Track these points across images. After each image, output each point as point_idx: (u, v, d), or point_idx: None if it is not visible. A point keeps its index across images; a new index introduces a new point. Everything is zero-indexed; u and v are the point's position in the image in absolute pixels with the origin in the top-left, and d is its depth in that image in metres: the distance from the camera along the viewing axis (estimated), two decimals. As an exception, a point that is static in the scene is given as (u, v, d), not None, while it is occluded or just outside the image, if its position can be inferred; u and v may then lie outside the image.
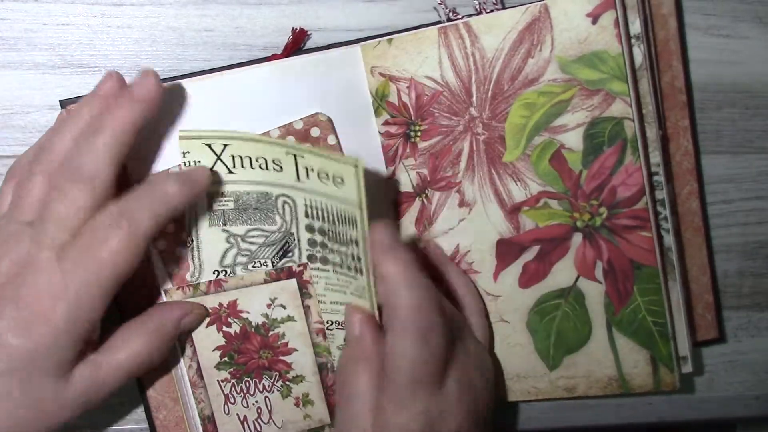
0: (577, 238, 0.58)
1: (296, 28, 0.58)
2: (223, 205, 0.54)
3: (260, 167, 0.54)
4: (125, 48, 0.57)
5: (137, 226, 0.47)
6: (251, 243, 0.56)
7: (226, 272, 0.57)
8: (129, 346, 0.52)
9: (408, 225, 0.60)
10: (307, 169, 0.54)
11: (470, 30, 0.56)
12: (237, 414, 0.59)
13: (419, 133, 0.58)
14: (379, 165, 0.60)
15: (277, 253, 0.56)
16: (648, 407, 0.65)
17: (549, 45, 0.56)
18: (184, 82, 0.54)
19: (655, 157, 0.58)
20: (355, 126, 0.59)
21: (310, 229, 0.57)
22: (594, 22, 0.55)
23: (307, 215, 0.56)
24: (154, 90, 0.48)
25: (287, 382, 0.58)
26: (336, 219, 0.55)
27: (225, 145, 0.52)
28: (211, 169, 0.53)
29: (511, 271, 0.60)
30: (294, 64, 0.56)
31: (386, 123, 0.58)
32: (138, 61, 0.56)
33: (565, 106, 0.56)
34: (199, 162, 0.52)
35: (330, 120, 0.57)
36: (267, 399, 0.58)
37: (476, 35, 0.56)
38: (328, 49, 0.58)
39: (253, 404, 0.58)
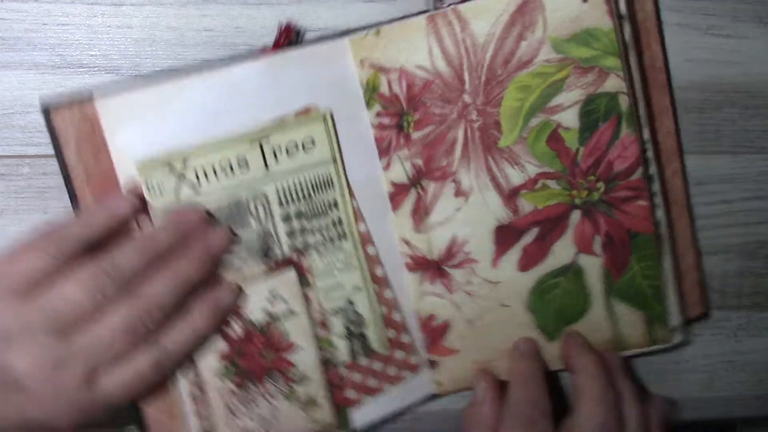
0: (576, 216, 0.55)
1: (283, 23, 0.53)
2: None
3: (225, 173, 0.51)
4: (125, 48, 0.53)
5: (178, 366, 0.52)
6: (231, 255, 0.52)
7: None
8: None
9: (404, 217, 0.55)
10: (274, 150, 0.51)
11: (459, 16, 0.53)
12: (241, 427, 0.54)
13: (412, 124, 0.54)
14: (373, 157, 0.56)
15: (258, 257, 0.52)
16: None
17: (542, 26, 0.53)
18: (170, 82, 0.50)
19: (645, 134, 0.55)
20: (346, 119, 0.55)
21: (286, 218, 0.53)
22: (584, 0, 0.52)
23: (281, 203, 0.53)
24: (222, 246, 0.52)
25: (291, 383, 0.53)
26: (312, 190, 0.53)
27: (185, 159, 0.49)
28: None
29: (510, 256, 0.56)
30: (282, 59, 0.52)
31: (378, 114, 0.54)
32: (138, 61, 0.53)
33: (560, 85, 0.53)
34: (163, 186, 0.50)
35: (321, 112, 0.54)
36: (272, 407, 0.51)
37: (466, 21, 0.53)
38: (317, 43, 0.54)
39: (258, 415, 0.52)
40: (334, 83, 0.54)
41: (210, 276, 0.51)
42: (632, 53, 0.54)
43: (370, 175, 0.56)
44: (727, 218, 0.60)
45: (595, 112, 0.53)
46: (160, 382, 0.50)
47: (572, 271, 0.56)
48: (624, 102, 0.53)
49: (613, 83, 0.53)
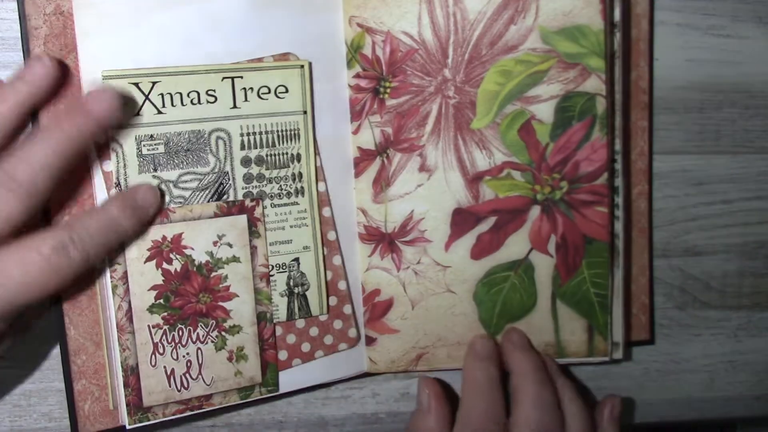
0: (535, 211, 0.55)
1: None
2: (153, 149, 0.48)
3: (192, 102, 0.48)
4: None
5: (88, 259, 0.44)
6: (184, 189, 0.50)
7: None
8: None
9: (365, 185, 0.54)
10: (245, 90, 0.50)
11: None
12: (164, 366, 0.50)
13: (389, 90, 0.53)
14: (345, 118, 0.54)
15: (211, 197, 0.50)
16: (648, 407, 0.62)
17: (533, 13, 0.52)
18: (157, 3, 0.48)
19: (617, 144, 0.54)
20: (325, 74, 0.54)
21: (245, 162, 0.51)
22: None
23: (242, 146, 0.51)
24: (111, 108, 0.44)
25: (223, 333, 0.50)
26: (276, 139, 0.51)
27: (153, 83, 0.47)
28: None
29: (464, 242, 0.55)
30: (273, -1, 0.50)
31: (357, 76, 0.53)
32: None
33: (541, 76, 0.52)
34: (126, 104, 0.46)
35: (300, 61, 0.52)
36: (199, 351, 0.50)
37: None
38: (311, -12, 0.52)
39: (183, 356, 0.50)
40: (319, 35, 0.53)
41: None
42: (618, 64, 0.54)
43: (339, 136, 0.55)
44: (727, 218, 0.60)
45: (570, 110, 0.53)
46: (65, 276, 0.43)
47: (523, 267, 0.55)
48: (601, 105, 0.52)
49: (594, 84, 0.52)
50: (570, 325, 0.56)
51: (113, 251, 0.48)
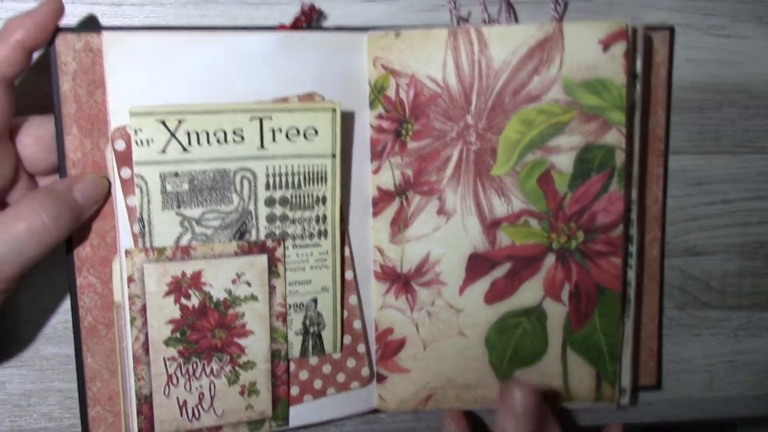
0: (550, 259, 0.54)
1: (307, 4, 0.51)
2: (177, 186, 0.48)
3: (218, 141, 0.47)
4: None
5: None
6: (206, 226, 0.49)
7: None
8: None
9: (383, 224, 0.53)
10: (273, 131, 0.49)
11: (481, 37, 0.52)
12: (177, 397, 0.50)
13: (410, 133, 0.52)
14: (365, 158, 0.54)
15: (233, 235, 0.49)
16: (648, 407, 0.61)
17: (558, 65, 0.52)
18: (183, 33, 0.48)
19: (633, 194, 0.54)
20: (347, 114, 0.53)
21: (269, 202, 0.50)
22: (605, 49, 0.51)
23: (267, 187, 0.50)
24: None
25: (236, 368, 0.50)
26: (302, 180, 0.50)
27: (180, 121, 0.46)
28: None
29: (479, 286, 0.55)
30: (299, 38, 0.50)
31: (380, 117, 0.52)
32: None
33: (562, 127, 0.52)
34: (152, 141, 0.46)
35: (327, 102, 0.51)
36: (212, 384, 0.50)
37: (486, 43, 0.52)
38: (337, 31, 0.53)
39: (196, 388, 0.50)
40: (343, 75, 0.53)
41: None
42: (637, 113, 0.53)
43: (359, 175, 0.54)
44: (727, 218, 0.59)
45: (589, 161, 0.52)
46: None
47: (536, 314, 0.55)
48: (620, 158, 0.52)
49: (614, 137, 0.52)
50: (579, 372, 0.56)
51: None
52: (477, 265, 0.54)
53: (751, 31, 0.57)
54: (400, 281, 0.55)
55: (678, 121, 0.58)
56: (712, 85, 0.58)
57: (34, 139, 0.48)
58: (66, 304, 0.54)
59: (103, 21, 0.51)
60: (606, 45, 0.51)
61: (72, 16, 0.49)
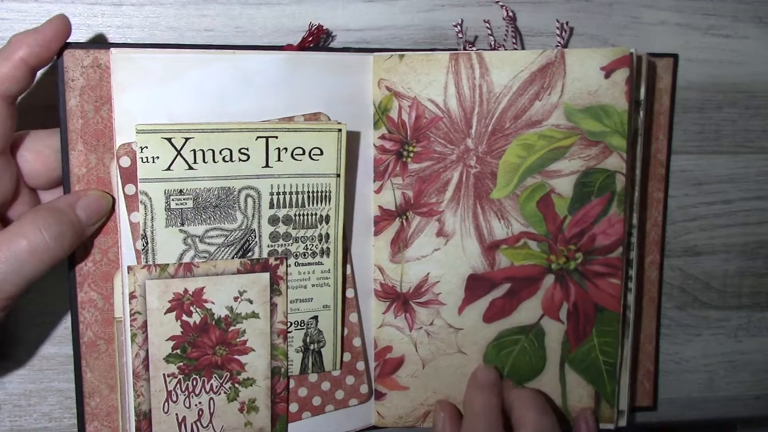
0: (549, 280, 0.54)
1: (315, 24, 0.52)
2: (182, 204, 0.47)
3: (224, 159, 0.47)
4: (126, 47, 0.51)
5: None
6: (209, 244, 0.49)
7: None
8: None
9: (384, 243, 0.53)
10: (279, 150, 0.49)
11: (482, 61, 0.52)
12: (176, 413, 0.50)
13: (412, 154, 0.52)
14: (368, 177, 0.54)
15: (236, 253, 0.49)
16: (648, 407, 0.61)
17: (559, 91, 0.52)
18: (191, 53, 0.48)
19: (634, 219, 0.54)
20: (351, 134, 0.53)
21: (273, 220, 0.50)
22: (607, 76, 0.51)
23: (271, 205, 0.50)
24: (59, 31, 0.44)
25: (236, 384, 0.50)
26: (306, 199, 0.50)
27: (186, 139, 0.46)
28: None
29: (477, 306, 0.55)
30: (305, 59, 0.50)
31: (383, 137, 0.52)
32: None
33: (563, 152, 0.52)
34: (158, 158, 0.46)
35: (332, 122, 0.51)
36: (211, 401, 0.49)
37: (487, 68, 0.52)
38: (343, 52, 0.53)
39: (196, 405, 0.49)
40: (349, 96, 0.53)
41: None
42: (640, 139, 0.54)
43: (361, 194, 0.54)
44: (727, 218, 0.59)
45: (589, 185, 0.52)
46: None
47: (534, 332, 0.55)
48: (620, 182, 0.52)
49: (614, 162, 0.52)
50: (578, 392, 0.56)
51: None
52: (476, 285, 0.54)
53: (751, 31, 0.57)
54: (400, 300, 0.55)
55: (678, 121, 0.58)
56: (712, 85, 0.58)
57: (35, 154, 0.48)
58: (67, 304, 0.54)
59: (104, 21, 0.51)
60: (608, 71, 0.51)
61: (72, 16, 0.49)
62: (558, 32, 0.54)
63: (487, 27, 0.54)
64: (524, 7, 0.56)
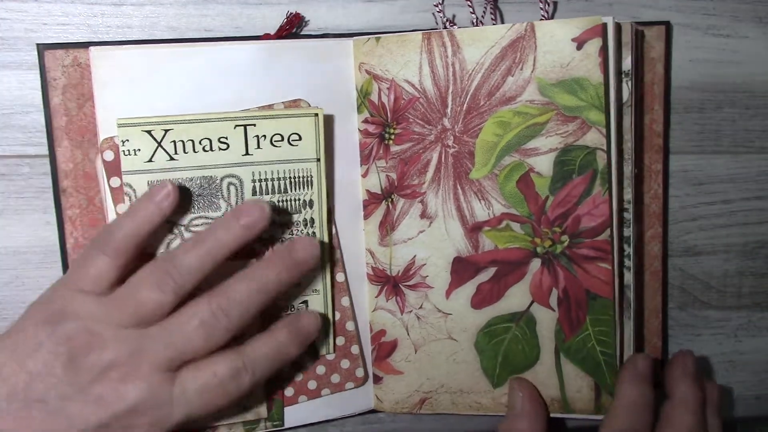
0: (535, 264, 0.51)
1: (292, 12, 0.52)
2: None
3: (204, 149, 0.48)
4: (126, 47, 0.51)
5: (256, 382, 0.46)
6: (195, 232, 0.49)
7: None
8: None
9: (373, 227, 0.53)
10: (258, 138, 0.49)
11: (453, 39, 0.50)
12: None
13: (393, 136, 0.52)
14: (355, 161, 0.54)
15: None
16: None
17: (531, 65, 0.49)
18: (169, 47, 0.49)
19: (628, 194, 0.51)
20: (336, 119, 0.53)
21: None
22: (579, 47, 0.48)
23: (254, 192, 0.50)
24: (261, 221, 0.46)
25: None
26: (288, 185, 0.50)
27: (166, 131, 0.47)
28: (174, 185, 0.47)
29: (465, 290, 0.53)
30: (284, 47, 0.50)
31: (366, 121, 0.52)
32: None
33: (539, 129, 0.49)
34: (139, 150, 0.47)
35: (310, 107, 0.51)
36: None
37: (459, 46, 0.50)
38: (320, 38, 0.52)
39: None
40: (330, 81, 0.52)
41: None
42: (630, 112, 0.50)
43: (349, 178, 0.54)
44: (727, 218, 0.58)
45: (570, 163, 0.49)
46: (234, 397, 0.45)
47: (525, 320, 0.52)
48: (602, 159, 0.49)
49: (594, 138, 0.49)
50: (576, 383, 0.53)
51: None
52: (461, 268, 0.53)
53: (751, 31, 0.56)
54: (390, 284, 0.55)
55: (678, 121, 0.57)
56: (712, 85, 0.56)
57: None
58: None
59: (104, 21, 0.52)
60: (580, 43, 0.48)
61: (73, 15, 0.50)
62: (541, 5, 0.52)
63: (469, 5, 0.52)
64: (524, 6, 0.55)
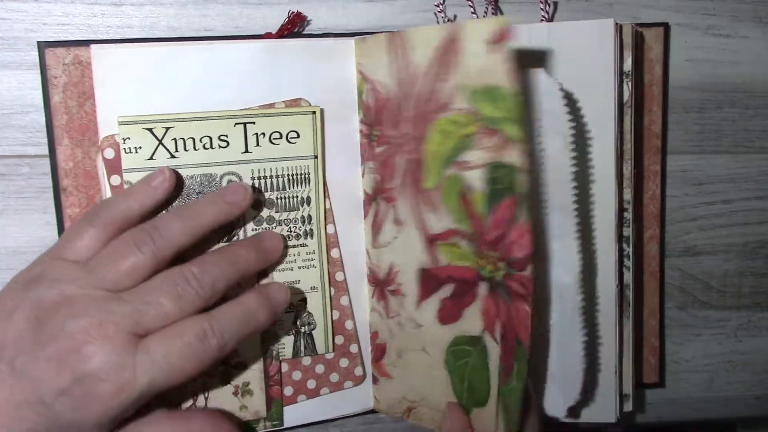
0: (483, 288, 0.47)
1: (293, 11, 0.54)
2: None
3: (204, 147, 0.49)
4: (126, 47, 0.52)
5: (224, 347, 0.44)
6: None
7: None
8: None
9: (368, 228, 0.55)
10: (257, 135, 0.51)
11: (404, 41, 0.48)
12: (169, 399, 0.49)
13: (375, 138, 0.52)
14: (356, 161, 0.55)
15: (221, 238, 0.50)
16: (648, 407, 0.62)
17: (456, 70, 0.44)
18: (171, 45, 0.49)
19: (627, 195, 0.50)
20: (337, 118, 0.53)
21: (256, 204, 0.51)
22: (492, 51, 0.42)
23: (253, 189, 0.50)
24: (243, 200, 0.48)
25: (229, 368, 0.51)
26: (287, 182, 0.52)
27: (167, 128, 0.48)
28: (172, 169, 0.48)
29: (432, 304, 0.51)
30: (284, 46, 0.51)
31: (361, 121, 0.53)
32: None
33: (470, 141, 0.44)
34: (140, 148, 0.48)
35: (311, 107, 0.52)
36: (205, 384, 0.49)
37: (406, 48, 0.48)
38: (322, 37, 0.54)
39: (189, 389, 0.49)
40: (332, 81, 0.54)
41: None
42: (630, 113, 0.49)
43: (349, 178, 0.55)
44: (727, 218, 0.60)
45: (499, 182, 0.43)
46: (203, 363, 0.44)
47: (479, 348, 0.48)
48: (522, 183, 0.42)
49: (512, 156, 0.42)
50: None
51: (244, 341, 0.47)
52: (426, 279, 0.51)
53: (751, 31, 0.57)
54: (379, 286, 0.55)
55: (678, 121, 0.58)
56: (712, 85, 0.58)
57: None
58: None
59: (104, 21, 0.54)
60: (492, 46, 0.41)
61: (73, 15, 0.51)
62: (542, 5, 0.53)
63: (470, 5, 0.53)
64: (524, 6, 0.55)
